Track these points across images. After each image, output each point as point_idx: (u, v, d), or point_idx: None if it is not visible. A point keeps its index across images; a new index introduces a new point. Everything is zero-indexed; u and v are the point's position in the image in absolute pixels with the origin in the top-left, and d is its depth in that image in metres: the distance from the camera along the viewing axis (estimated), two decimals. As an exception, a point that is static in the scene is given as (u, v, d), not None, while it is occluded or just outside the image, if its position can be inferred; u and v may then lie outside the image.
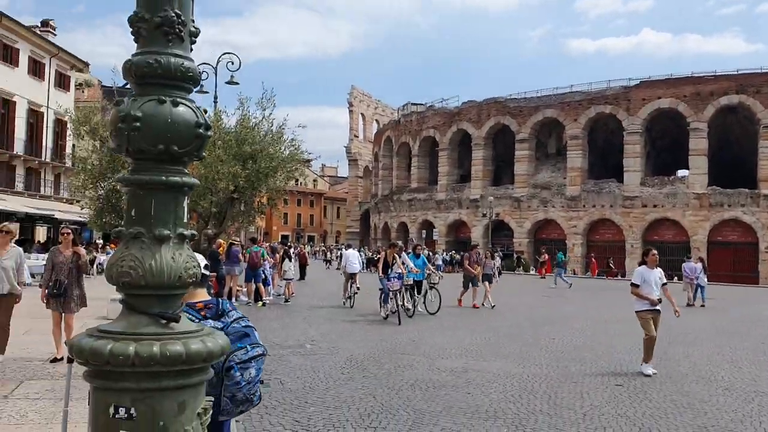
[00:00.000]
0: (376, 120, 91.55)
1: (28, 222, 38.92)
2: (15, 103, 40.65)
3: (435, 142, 63.16)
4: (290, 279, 20.29)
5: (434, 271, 19.87)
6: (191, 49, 2.23)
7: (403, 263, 16.97)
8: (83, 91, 53.42)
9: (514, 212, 56.10)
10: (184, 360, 2.03)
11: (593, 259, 47.75)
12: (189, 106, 2.14)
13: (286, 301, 19.55)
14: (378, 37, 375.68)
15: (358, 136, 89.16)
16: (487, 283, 20.39)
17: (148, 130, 2.06)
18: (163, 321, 2.09)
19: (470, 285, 20.18)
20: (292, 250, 24.67)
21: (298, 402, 7.40)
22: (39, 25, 47.32)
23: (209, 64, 20.57)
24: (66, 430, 3.06)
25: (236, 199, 10.80)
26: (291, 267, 20.47)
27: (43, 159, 43.52)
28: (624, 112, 50.04)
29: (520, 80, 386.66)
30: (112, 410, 2.03)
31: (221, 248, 17.81)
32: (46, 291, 8.93)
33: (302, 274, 31.02)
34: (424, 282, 18.01)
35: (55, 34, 48.12)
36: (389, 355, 10.76)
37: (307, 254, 36.49)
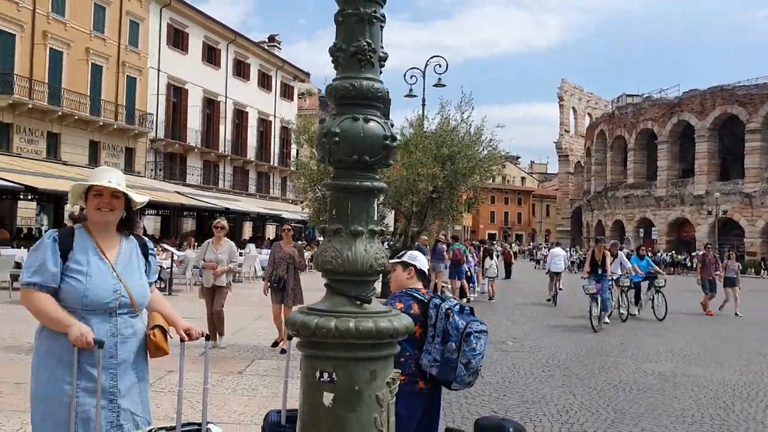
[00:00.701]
0: (588, 113, 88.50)
1: (259, 221, 43.00)
2: (247, 113, 45.14)
3: (653, 134, 59.62)
4: (492, 277, 20.48)
5: (661, 272, 18.23)
6: (380, 72, 2.60)
7: (621, 264, 16.12)
8: (305, 100, 57.81)
9: (744, 209, 51.31)
10: (374, 335, 2.40)
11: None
12: (378, 122, 2.51)
13: (491, 298, 19.78)
14: (589, 28, 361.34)
15: (568, 131, 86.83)
16: (729, 288, 18.09)
17: (345, 143, 2.46)
18: (358, 302, 2.48)
19: (710, 289, 18.05)
20: (496, 247, 24.82)
21: (497, 394, 7.65)
22: (266, 40, 52.06)
23: (418, 69, 21.40)
24: (286, 398, 3.62)
25: (436, 198, 11.21)
26: (493, 265, 20.65)
27: (271, 164, 47.86)
28: None
29: (748, 65, 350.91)
30: (318, 374, 2.46)
31: (427, 246, 18.54)
32: (268, 284, 9.54)
33: (507, 273, 31.02)
34: (642, 285, 16.98)
35: (280, 48, 52.64)
36: (593, 356, 10.61)
37: (511, 253, 36.31)
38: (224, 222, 9.78)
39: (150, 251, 3.33)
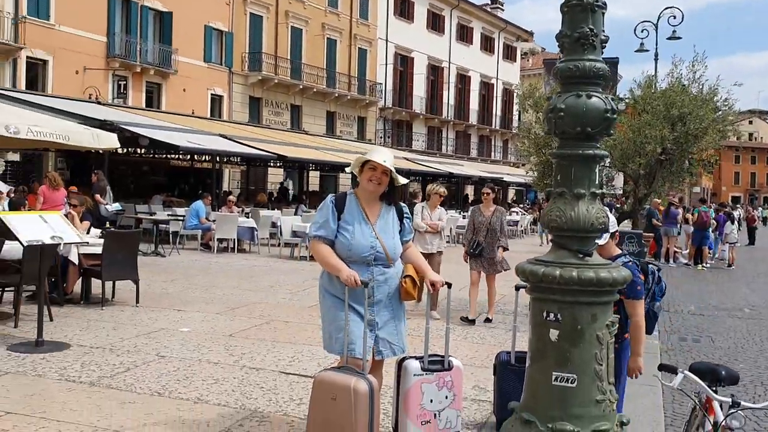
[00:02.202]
0: None
1: (480, 184, 43.65)
2: (470, 77, 45.71)
3: None
4: (733, 243, 19.17)
5: None
6: (602, 52, 2.94)
7: None
8: (528, 60, 56.97)
9: None
10: (594, 283, 2.80)
11: None
12: (599, 97, 2.86)
13: (729, 265, 18.60)
14: None
15: (830, 81, 76.16)
16: None
17: (569, 117, 2.86)
18: (580, 255, 2.89)
19: None
20: (738, 212, 23.10)
21: (727, 358, 7.51)
22: (489, 2, 51.94)
23: (650, 22, 20.42)
24: (515, 340, 4.13)
25: (664, 160, 10.80)
26: (734, 230, 19.30)
27: (492, 127, 48.13)
28: None
29: None
30: (544, 315, 2.92)
31: (659, 209, 17.87)
32: (466, 250, 8.78)
33: (751, 239, 28.61)
34: None
35: (502, 9, 52.27)
36: None
37: (756, 217, 33.32)
38: (441, 189, 9.49)
39: (405, 215, 4.01)
